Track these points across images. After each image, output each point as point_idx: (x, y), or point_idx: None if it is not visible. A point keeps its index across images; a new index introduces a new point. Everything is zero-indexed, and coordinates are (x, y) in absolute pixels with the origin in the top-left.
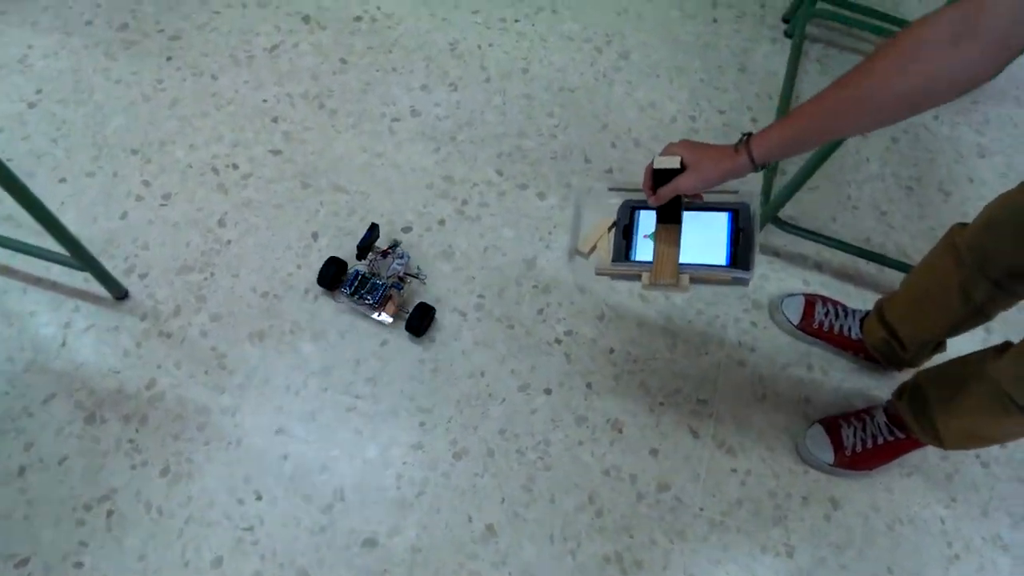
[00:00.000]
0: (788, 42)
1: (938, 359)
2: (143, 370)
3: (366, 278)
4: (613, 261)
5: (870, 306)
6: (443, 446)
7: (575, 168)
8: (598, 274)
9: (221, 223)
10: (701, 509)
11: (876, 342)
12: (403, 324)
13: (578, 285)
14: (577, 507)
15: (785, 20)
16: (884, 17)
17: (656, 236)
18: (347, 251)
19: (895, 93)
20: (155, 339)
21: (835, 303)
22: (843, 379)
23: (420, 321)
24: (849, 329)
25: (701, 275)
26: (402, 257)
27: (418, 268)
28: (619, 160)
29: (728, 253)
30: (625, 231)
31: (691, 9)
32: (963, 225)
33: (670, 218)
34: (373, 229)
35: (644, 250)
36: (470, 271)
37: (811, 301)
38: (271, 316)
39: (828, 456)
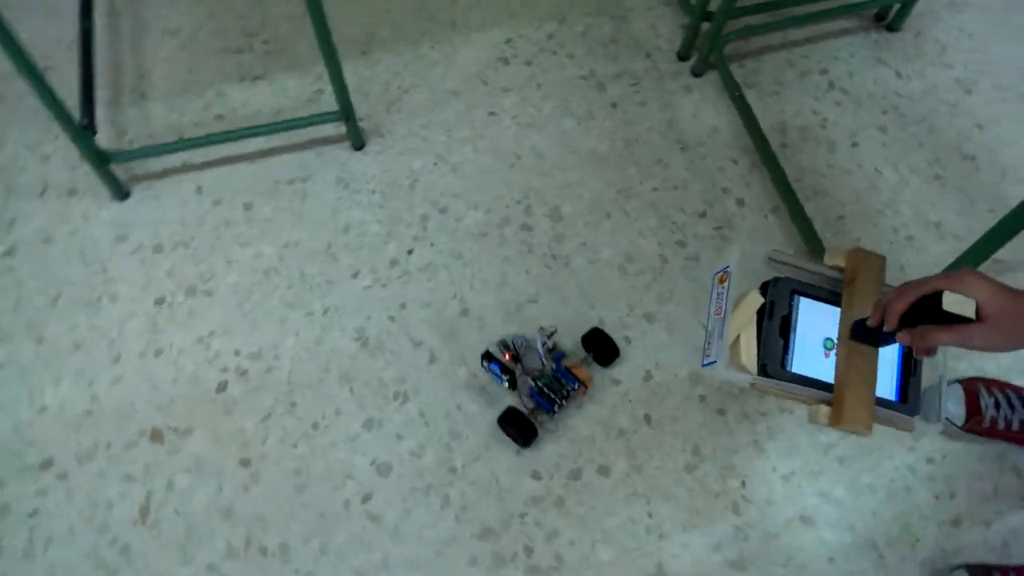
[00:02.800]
0: (700, 81)
1: None
2: None
3: (541, 382)
4: (763, 371)
5: None
6: None
7: None
8: (753, 387)
9: None
10: None
11: None
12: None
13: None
14: None
15: (681, 57)
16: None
17: (843, 356)
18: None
19: None
20: None
21: (1004, 386)
22: None
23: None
24: None
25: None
26: (528, 342)
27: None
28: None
29: (898, 386)
30: (783, 324)
31: (580, 108)
32: None
33: (867, 337)
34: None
35: (808, 358)
36: None
37: (971, 390)
38: None
39: None
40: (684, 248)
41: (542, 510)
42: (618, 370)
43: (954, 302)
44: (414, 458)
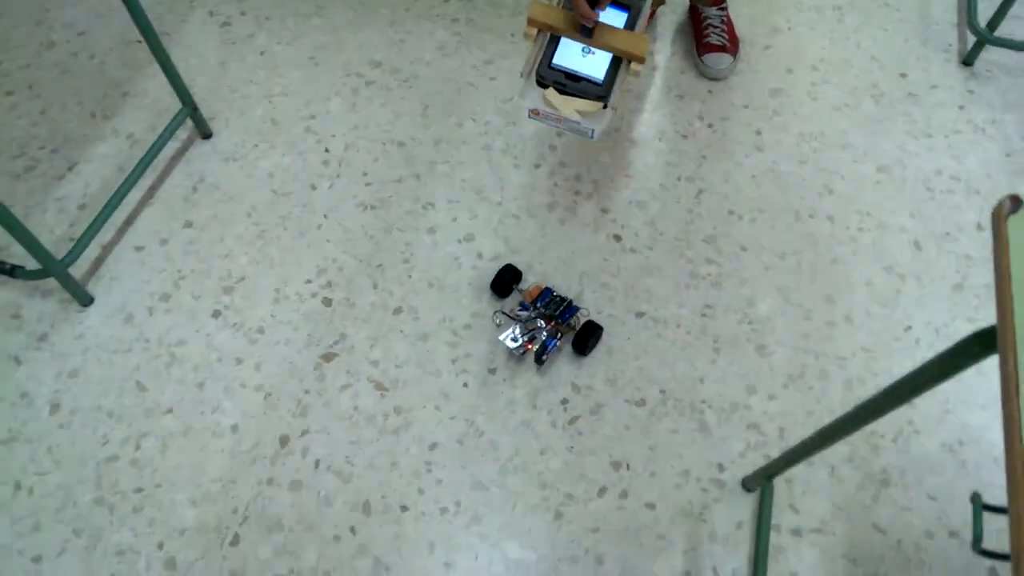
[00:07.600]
0: None
1: None
2: None
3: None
4: (540, 80)
5: None
6: None
7: None
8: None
9: None
10: None
11: None
12: None
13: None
14: None
15: None
16: None
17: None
18: None
19: None
20: None
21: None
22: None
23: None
24: None
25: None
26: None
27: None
28: None
29: (608, 70)
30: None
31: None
32: None
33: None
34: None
35: (572, 59)
36: None
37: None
38: None
39: (727, 59)
40: None
41: None
42: None
43: None
44: None
